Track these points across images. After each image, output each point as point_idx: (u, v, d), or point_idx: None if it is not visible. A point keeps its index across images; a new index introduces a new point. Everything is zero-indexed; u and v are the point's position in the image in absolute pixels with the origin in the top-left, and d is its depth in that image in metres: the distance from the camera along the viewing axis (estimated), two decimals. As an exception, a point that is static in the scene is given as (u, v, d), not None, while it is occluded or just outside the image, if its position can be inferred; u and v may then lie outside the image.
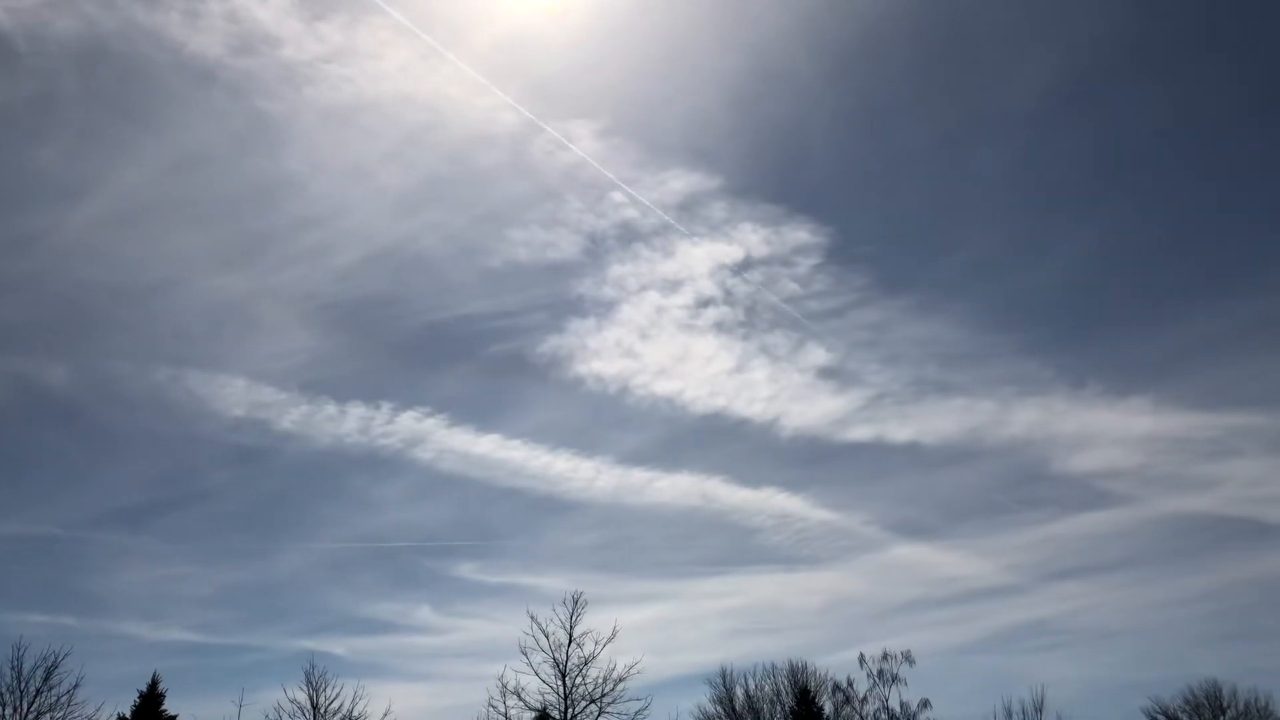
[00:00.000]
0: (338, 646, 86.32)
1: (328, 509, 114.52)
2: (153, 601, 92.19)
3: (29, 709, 41.42)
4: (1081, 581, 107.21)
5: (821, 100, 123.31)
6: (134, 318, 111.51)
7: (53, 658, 42.88)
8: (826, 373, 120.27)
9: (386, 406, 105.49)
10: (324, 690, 46.19)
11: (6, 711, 40.94)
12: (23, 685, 41.59)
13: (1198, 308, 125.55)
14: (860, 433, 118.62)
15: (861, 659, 64.86)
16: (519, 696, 45.72)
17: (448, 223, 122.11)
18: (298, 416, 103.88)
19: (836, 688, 64.35)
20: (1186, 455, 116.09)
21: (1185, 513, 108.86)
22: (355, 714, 46.23)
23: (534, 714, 47.52)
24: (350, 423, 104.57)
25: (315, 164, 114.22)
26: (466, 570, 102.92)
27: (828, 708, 63.05)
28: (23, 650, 42.38)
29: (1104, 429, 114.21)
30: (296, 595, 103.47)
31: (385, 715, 46.09)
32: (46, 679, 42.31)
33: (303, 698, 45.92)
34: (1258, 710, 70.54)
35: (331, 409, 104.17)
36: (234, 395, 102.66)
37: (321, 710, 45.82)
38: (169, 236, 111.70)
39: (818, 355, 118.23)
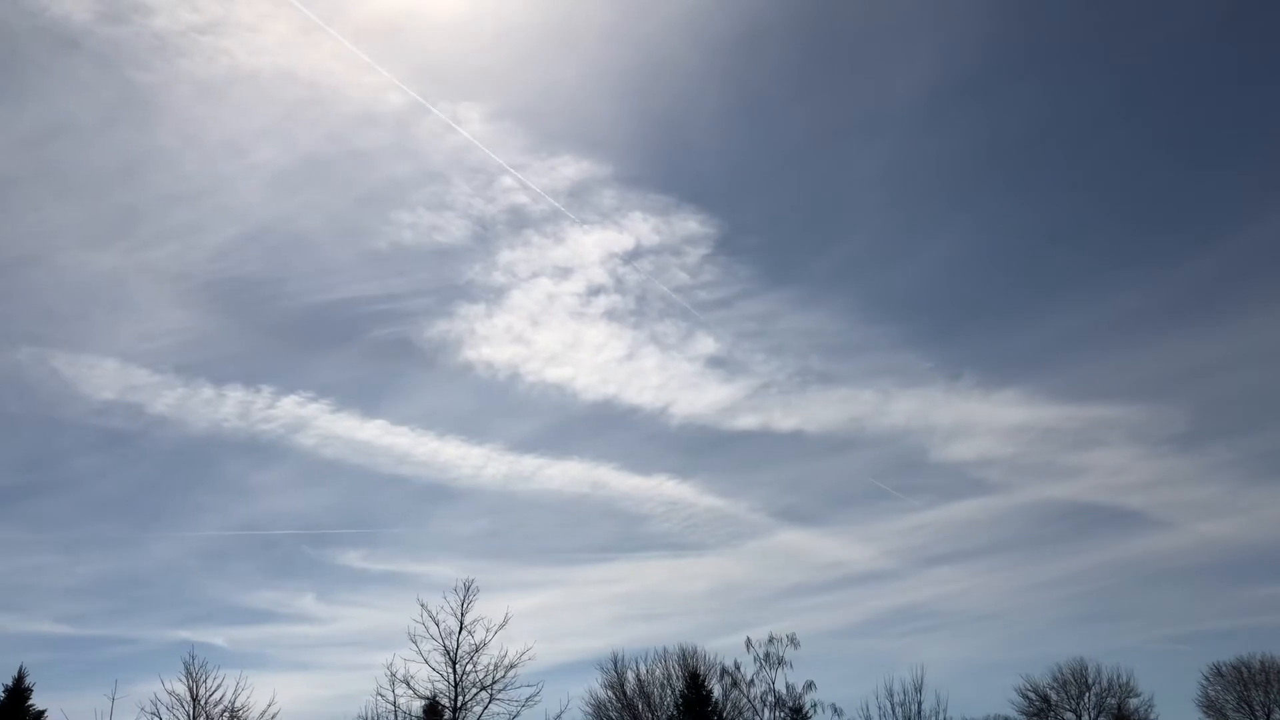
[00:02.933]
0: (216, 637, 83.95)
1: (203, 496, 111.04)
2: (16, 592, 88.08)
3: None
4: (956, 566, 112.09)
5: (707, 93, 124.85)
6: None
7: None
8: (715, 362, 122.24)
9: (267, 390, 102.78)
10: (204, 681, 44.68)
11: None
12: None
13: (1066, 303, 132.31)
14: (747, 421, 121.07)
15: (748, 643, 66.03)
16: (408, 685, 45.03)
17: (328, 203, 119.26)
18: (172, 400, 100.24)
19: (725, 671, 65.46)
20: (1054, 445, 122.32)
21: (1053, 500, 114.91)
22: (237, 705, 44.73)
23: (423, 702, 46.99)
24: (229, 406, 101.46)
25: (188, 138, 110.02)
26: (351, 558, 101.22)
27: (717, 691, 64.11)
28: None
29: (979, 419, 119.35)
30: (171, 585, 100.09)
31: (269, 706, 44.71)
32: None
33: (182, 689, 44.25)
34: (1119, 685, 74.75)
35: (209, 392, 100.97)
36: (103, 377, 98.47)
37: (202, 702, 44.24)
38: (31, 210, 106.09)
39: (706, 344, 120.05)
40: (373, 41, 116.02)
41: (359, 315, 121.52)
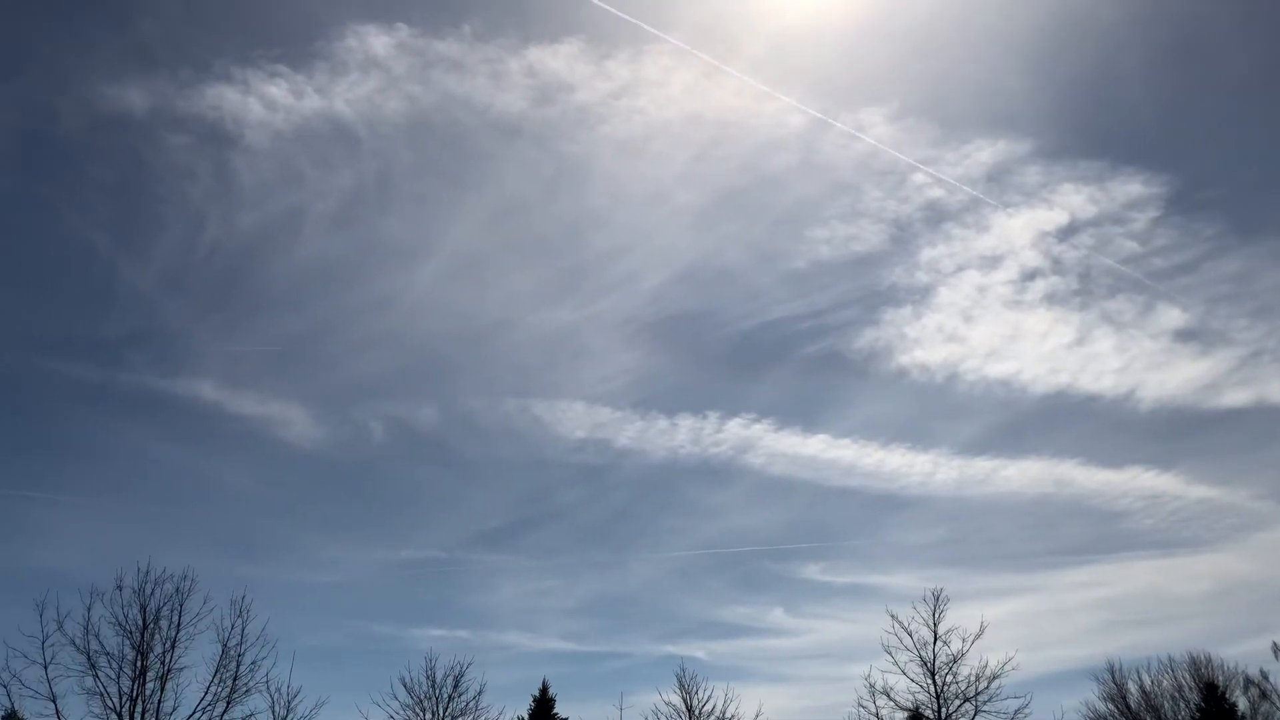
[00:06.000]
0: (697, 650, 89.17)
1: (669, 519, 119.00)
2: (527, 614, 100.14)
3: (444, 713, 45.93)
4: None
5: (1131, 42, 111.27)
6: (480, 358, 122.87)
7: (459, 667, 46.33)
8: (1184, 335, 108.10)
9: (713, 416, 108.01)
10: (695, 693, 47.55)
11: (426, 716, 45.56)
12: (437, 692, 45.74)
13: None
14: (1236, 397, 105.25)
15: (1275, 649, 57.47)
16: (889, 696, 44.77)
17: (746, 232, 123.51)
18: (633, 433, 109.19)
19: (1249, 682, 57.33)
20: None
21: None
22: (728, 715, 46.88)
23: (906, 714, 46.32)
24: (682, 434, 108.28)
25: (616, 196, 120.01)
26: (811, 571, 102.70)
27: (1242, 704, 56.26)
28: (434, 661, 46.33)
29: None
30: (652, 602, 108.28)
31: (757, 716, 46.35)
32: (456, 686, 46.06)
33: (677, 700, 47.47)
34: None
35: (663, 423, 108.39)
36: (575, 418, 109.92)
37: (696, 712, 47.11)
38: (499, 281, 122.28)
39: (1171, 317, 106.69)
40: (767, 70, 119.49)
41: (787, 335, 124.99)
